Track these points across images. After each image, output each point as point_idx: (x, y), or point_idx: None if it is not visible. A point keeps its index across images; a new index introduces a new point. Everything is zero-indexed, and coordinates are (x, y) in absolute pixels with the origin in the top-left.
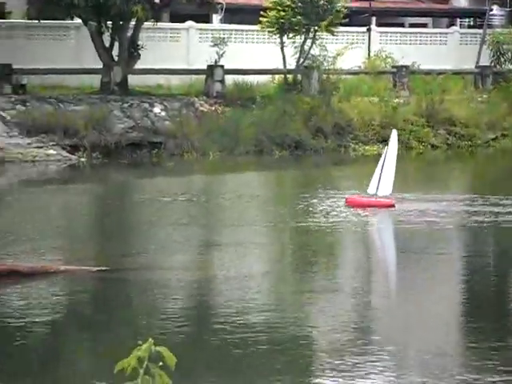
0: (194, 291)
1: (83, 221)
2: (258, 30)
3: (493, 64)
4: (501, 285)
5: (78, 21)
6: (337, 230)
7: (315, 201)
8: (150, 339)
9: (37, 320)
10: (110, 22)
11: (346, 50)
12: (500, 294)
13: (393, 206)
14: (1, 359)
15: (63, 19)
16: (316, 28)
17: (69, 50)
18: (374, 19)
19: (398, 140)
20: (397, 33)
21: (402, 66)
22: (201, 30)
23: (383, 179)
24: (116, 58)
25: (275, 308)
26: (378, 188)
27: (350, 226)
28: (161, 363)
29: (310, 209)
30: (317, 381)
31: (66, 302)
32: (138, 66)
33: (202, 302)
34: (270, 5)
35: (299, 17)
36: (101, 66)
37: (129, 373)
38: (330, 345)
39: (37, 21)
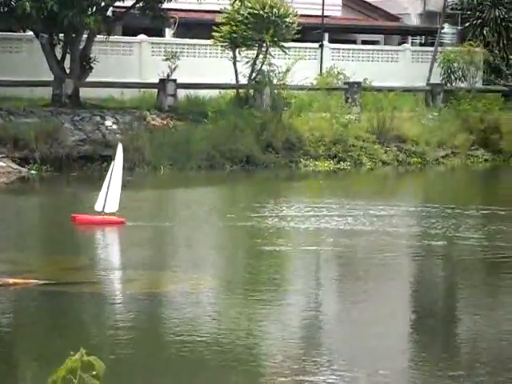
0: (139, 305)
1: (30, 233)
2: (210, 45)
3: (443, 82)
4: None
5: (31, 33)
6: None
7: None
8: (82, 349)
9: None
10: (62, 35)
11: (295, 65)
12: None
13: (122, 223)
14: None
15: (15, 31)
16: (268, 43)
17: (21, 63)
18: (326, 35)
19: (350, 156)
20: (349, 49)
21: (354, 83)
22: (153, 43)
23: (110, 196)
24: (68, 71)
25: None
26: (104, 205)
27: None
28: (94, 372)
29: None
30: None
31: (6, 316)
32: (91, 78)
33: (147, 316)
34: (223, 20)
35: (251, 32)
36: (52, 79)
37: None
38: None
39: None
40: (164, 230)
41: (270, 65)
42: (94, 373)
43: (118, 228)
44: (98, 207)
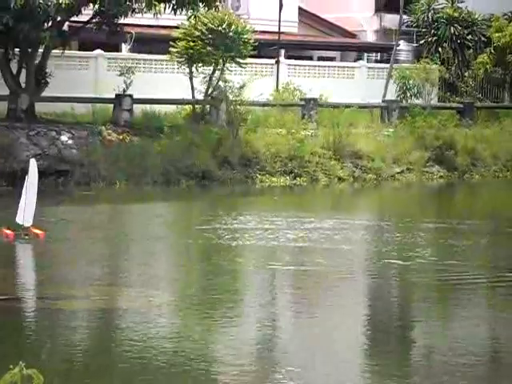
0: (99, 321)
1: None
2: (167, 60)
3: (399, 98)
4: None
5: None
6: None
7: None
8: (21, 362)
9: None
10: (18, 49)
11: (252, 82)
12: None
13: (41, 236)
14: None
15: None
16: (224, 59)
17: None
18: (282, 51)
19: (306, 172)
20: (305, 65)
21: (310, 99)
22: (109, 58)
23: (27, 210)
24: (23, 85)
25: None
26: (24, 218)
27: None
28: None
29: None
30: None
31: None
32: (46, 93)
33: (105, 332)
34: (180, 35)
35: (208, 48)
36: (7, 93)
37: None
38: None
39: None
40: (106, 245)
41: (225, 81)
42: None
43: (45, 242)
44: (19, 220)
